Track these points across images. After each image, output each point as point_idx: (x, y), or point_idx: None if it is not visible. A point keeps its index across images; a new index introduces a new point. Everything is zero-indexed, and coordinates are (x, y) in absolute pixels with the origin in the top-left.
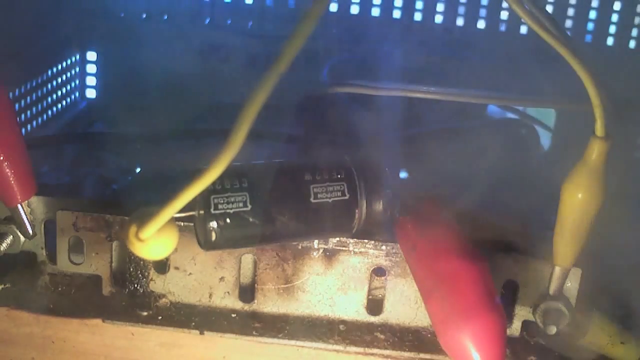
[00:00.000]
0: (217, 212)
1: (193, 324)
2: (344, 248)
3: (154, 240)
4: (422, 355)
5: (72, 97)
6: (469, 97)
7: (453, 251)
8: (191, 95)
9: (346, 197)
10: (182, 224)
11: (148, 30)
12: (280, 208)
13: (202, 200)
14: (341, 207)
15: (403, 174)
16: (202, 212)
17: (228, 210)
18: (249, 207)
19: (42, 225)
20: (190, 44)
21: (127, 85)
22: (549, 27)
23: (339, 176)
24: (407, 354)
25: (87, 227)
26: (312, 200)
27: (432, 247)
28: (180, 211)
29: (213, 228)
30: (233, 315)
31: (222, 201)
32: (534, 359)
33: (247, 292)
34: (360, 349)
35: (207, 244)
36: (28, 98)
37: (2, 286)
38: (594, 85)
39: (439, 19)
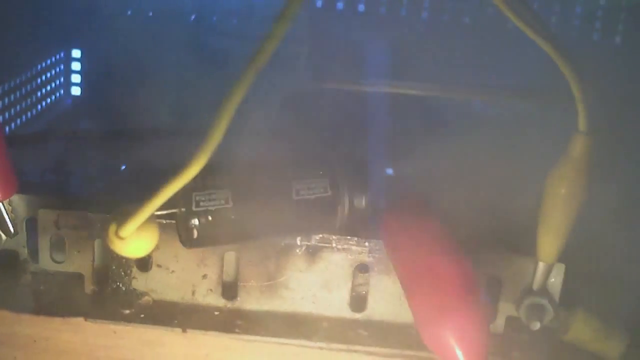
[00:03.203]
0: (198, 209)
1: (175, 321)
2: (326, 245)
3: (134, 238)
4: (405, 352)
5: (57, 94)
6: (452, 92)
7: (436, 248)
8: (176, 92)
9: (328, 194)
10: (164, 221)
11: (133, 27)
12: (262, 205)
13: (184, 197)
14: (323, 204)
15: (387, 171)
16: (183, 209)
17: (210, 208)
18: (231, 204)
19: (24, 224)
20: (176, 40)
21: (112, 83)
22: (532, 22)
23: (321, 173)
24: (390, 351)
25: (69, 225)
26: (294, 197)
27: (415, 244)
28: (162, 208)
29: (195, 225)
30: (216, 313)
31: (203, 198)
32: (518, 355)
33: (230, 289)
34: (344, 346)
35: (188, 242)
36: (12, 95)
37: None
38: (576, 80)
39: (423, 13)
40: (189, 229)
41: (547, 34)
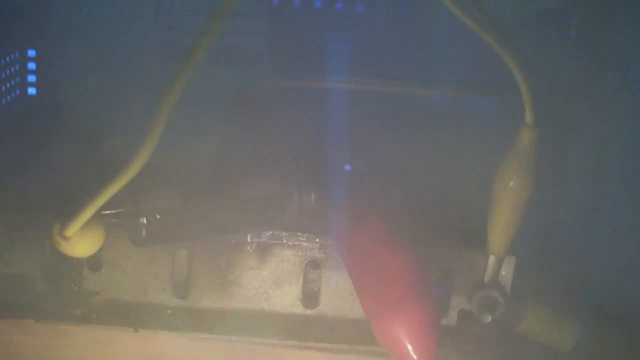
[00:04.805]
0: (146, 208)
1: (127, 321)
2: (277, 242)
3: (78, 237)
4: (357, 347)
5: (13, 94)
6: (406, 87)
7: (385, 243)
8: (134, 91)
9: (277, 191)
10: (114, 220)
11: (88, 27)
12: (210, 202)
13: (132, 196)
14: (272, 201)
15: (340, 167)
16: (131, 208)
17: (158, 206)
18: (179, 202)
19: None
20: (131, 40)
21: (68, 83)
22: (477, 16)
23: (270, 169)
24: (342, 346)
25: (18, 226)
26: (242, 193)
27: (365, 239)
28: (111, 208)
29: (143, 224)
30: (168, 312)
31: (151, 197)
32: (471, 347)
33: (182, 287)
34: (296, 342)
35: (137, 240)
36: None
37: None
38: (522, 73)
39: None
40: (138, 228)
41: (491, 27)
